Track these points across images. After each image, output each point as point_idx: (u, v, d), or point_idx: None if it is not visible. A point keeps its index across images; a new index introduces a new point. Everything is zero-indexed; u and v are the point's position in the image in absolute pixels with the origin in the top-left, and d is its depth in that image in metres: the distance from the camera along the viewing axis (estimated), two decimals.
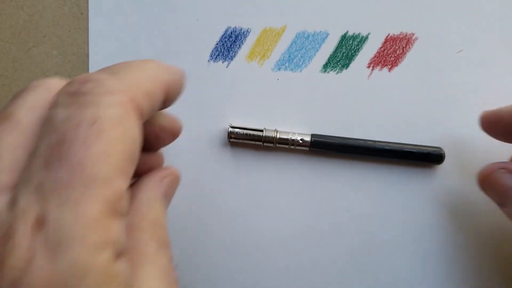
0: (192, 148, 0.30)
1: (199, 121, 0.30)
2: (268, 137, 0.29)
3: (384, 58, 0.30)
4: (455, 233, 0.29)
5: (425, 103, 0.29)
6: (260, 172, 0.30)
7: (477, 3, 0.30)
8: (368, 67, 0.30)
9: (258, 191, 0.30)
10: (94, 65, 0.31)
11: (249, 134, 0.29)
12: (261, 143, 0.29)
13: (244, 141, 0.29)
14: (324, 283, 0.30)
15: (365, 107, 0.30)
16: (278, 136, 0.29)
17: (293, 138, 0.29)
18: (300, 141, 0.29)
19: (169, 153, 0.30)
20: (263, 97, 0.30)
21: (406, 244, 0.29)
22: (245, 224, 0.30)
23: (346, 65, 0.30)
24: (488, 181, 0.25)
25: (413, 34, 0.30)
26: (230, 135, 0.29)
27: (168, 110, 0.30)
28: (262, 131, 0.29)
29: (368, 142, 0.29)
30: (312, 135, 0.29)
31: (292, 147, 0.29)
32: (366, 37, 0.30)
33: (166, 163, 0.30)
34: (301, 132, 0.29)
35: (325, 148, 0.29)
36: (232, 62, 0.30)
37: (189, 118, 0.30)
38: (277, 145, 0.29)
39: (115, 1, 0.31)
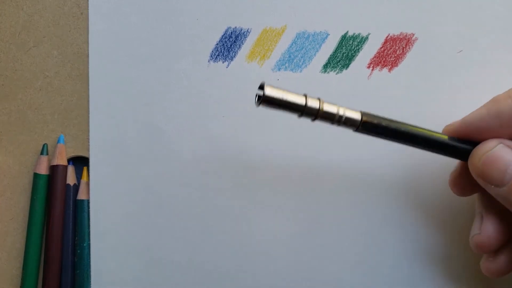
0: (192, 148, 0.30)
1: (199, 121, 0.30)
2: (311, 108, 0.22)
3: (384, 59, 0.30)
4: (455, 233, 0.29)
5: (425, 104, 0.29)
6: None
7: (477, 3, 0.30)
8: (368, 67, 0.30)
9: (259, 190, 0.30)
10: (94, 65, 0.31)
11: (287, 102, 0.21)
12: (300, 113, 0.22)
13: (279, 108, 0.22)
14: (324, 283, 0.30)
15: (365, 107, 0.29)
16: (324, 109, 0.22)
17: (340, 114, 0.22)
18: (345, 119, 0.22)
19: (168, 153, 0.30)
20: None
21: (407, 244, 0.29)
22: (245, 223, 0.30)
23: (346, 65, 0.30)
24: (490, 157, 0.23)
25: (413, 35, 0.30)
26: (265, 95, 0.21)
27: (169, 110, 0.30)
28: (304, 97, 0.22)
29: (421, 131, 0.24)
30: (363, 114, 0.23)
31: (336, 124, 0.23)
32: (366, 38, 0.30)
33: (166, 162, 0.30)
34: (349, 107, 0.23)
35: (377, 132, 0.23)
36: (232, 62, 0.30)
37: (189, 118, 0.30)
38: (319, 119, 0.22)
39: (115, 1, 0.31)
